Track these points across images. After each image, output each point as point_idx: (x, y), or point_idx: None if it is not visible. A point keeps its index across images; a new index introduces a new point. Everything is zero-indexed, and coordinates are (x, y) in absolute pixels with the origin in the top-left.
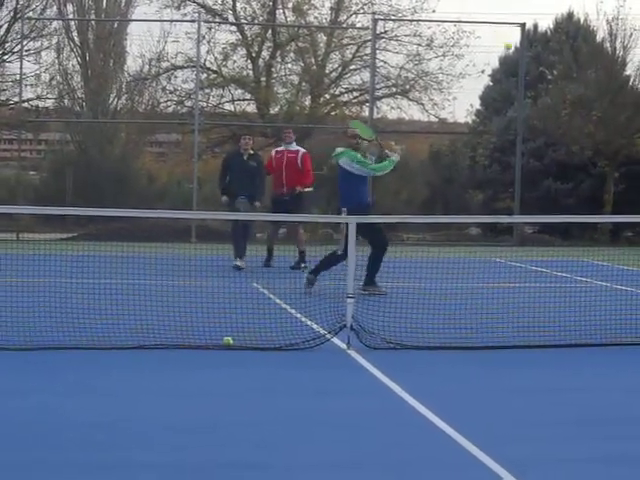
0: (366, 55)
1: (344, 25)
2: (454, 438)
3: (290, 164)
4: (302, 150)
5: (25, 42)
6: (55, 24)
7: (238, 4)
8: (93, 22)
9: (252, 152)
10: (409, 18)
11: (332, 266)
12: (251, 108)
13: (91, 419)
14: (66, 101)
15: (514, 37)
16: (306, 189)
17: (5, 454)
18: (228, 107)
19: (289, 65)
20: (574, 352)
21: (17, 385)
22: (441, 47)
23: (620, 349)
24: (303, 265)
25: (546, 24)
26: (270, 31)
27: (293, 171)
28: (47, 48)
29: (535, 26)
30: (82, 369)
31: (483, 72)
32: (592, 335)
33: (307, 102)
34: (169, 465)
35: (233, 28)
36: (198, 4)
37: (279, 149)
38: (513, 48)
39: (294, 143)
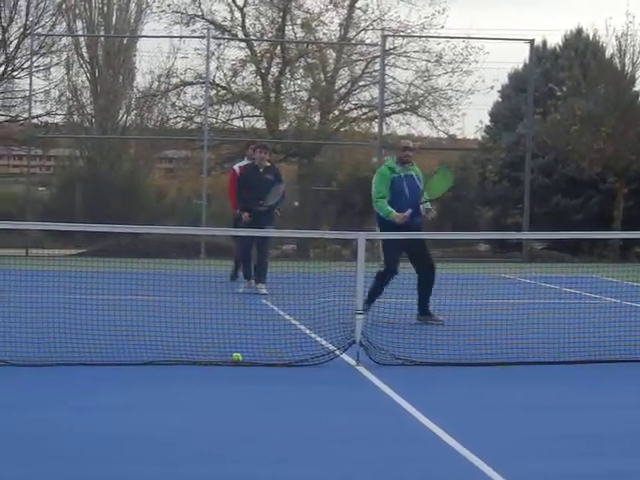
0: (375, 71)
1: (353, 41)
2: (462, 454)
3: None
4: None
5: (34, 58)
6: (64, 40)
7: (247, 20)
8: (102, 38)
9: (268, 164)
10: (418, 34)
11: (383, 288)
12: (260, 124)
13: (105, 433)
14: (75, 117)
15: (523, 53)
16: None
17: (20, 466)
18: (237, 123)
19: (298, 81)
20: (585, 369)
21: (29, 401)
22: (450, 63)
23: (630, 366)
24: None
25: (555, 40)
26: (279, 47)
27: None
28: (56, 64)
29: (544, 42)
30: (92, 385)
31: (492, 88)
32: (604, 352)
33: (316, 118)
34: (184, 477)
35: (242, 44)
36: (207, 20)
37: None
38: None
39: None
